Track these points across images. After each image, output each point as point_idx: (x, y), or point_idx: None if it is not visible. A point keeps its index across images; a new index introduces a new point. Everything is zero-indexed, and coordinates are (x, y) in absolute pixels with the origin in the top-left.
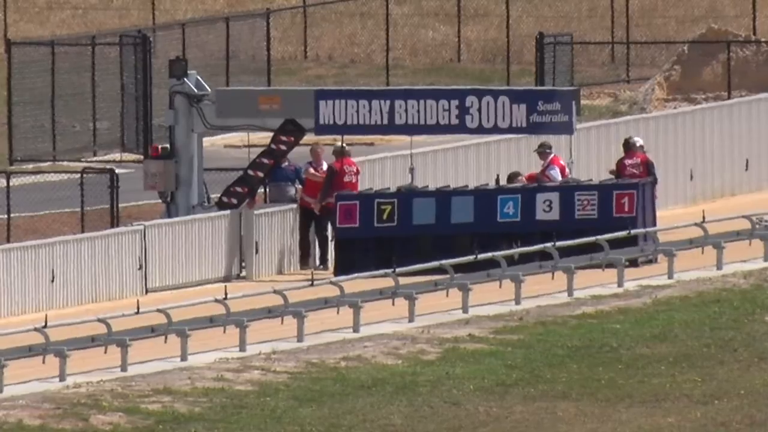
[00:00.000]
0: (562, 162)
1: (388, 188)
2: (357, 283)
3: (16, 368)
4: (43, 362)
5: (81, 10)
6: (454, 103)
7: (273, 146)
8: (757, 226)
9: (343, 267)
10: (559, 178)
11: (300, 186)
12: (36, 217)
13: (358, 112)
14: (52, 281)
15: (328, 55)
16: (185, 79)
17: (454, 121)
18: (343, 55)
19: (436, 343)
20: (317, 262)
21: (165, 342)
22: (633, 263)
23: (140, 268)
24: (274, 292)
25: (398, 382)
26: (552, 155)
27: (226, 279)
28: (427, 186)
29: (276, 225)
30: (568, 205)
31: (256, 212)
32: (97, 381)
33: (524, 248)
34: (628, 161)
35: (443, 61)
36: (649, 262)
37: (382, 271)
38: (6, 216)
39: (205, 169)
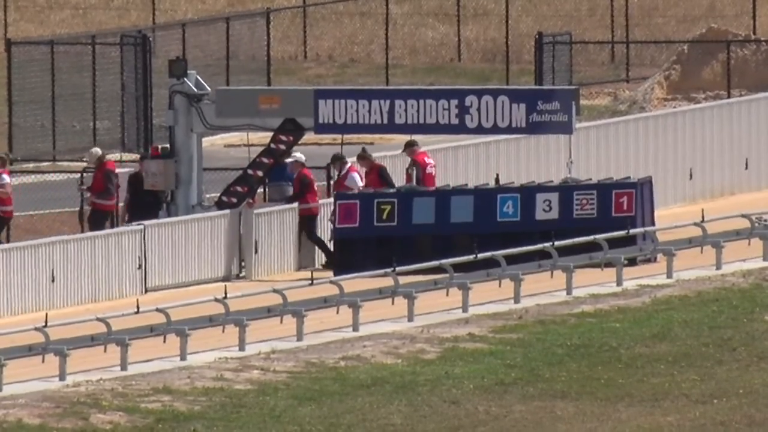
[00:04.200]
0: (358, 171)
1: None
2: (356, 282)
3: (16, 367)
4: (43, 361)
5: (81, 10)
6: (454, 102)
7: (273, 146)
8: (757, 226)
9: (343, 266)
10: (360, 183)
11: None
12: (36, 217)
13: (357, 111)
14: (52, 281)
15: (328, 54)
16: (185, 78)
17: (454, 120)
18: (342, 54)
19: (436, 342)
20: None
21: (164, 341)
22: (632, 262)
23: (140, 267)
24: (274, 291)
25: (398, 382)
26: (349, 164)
27: (226, 278)
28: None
29: (275, 224)
30: (567, 205)
31: (255, 212)
32: (97, 380)
33: (524, 248)
34: (428, 160)
35: (443, 61)
36: (648, 261)
37: (381, 271)
38: None
39: (205, 169)
